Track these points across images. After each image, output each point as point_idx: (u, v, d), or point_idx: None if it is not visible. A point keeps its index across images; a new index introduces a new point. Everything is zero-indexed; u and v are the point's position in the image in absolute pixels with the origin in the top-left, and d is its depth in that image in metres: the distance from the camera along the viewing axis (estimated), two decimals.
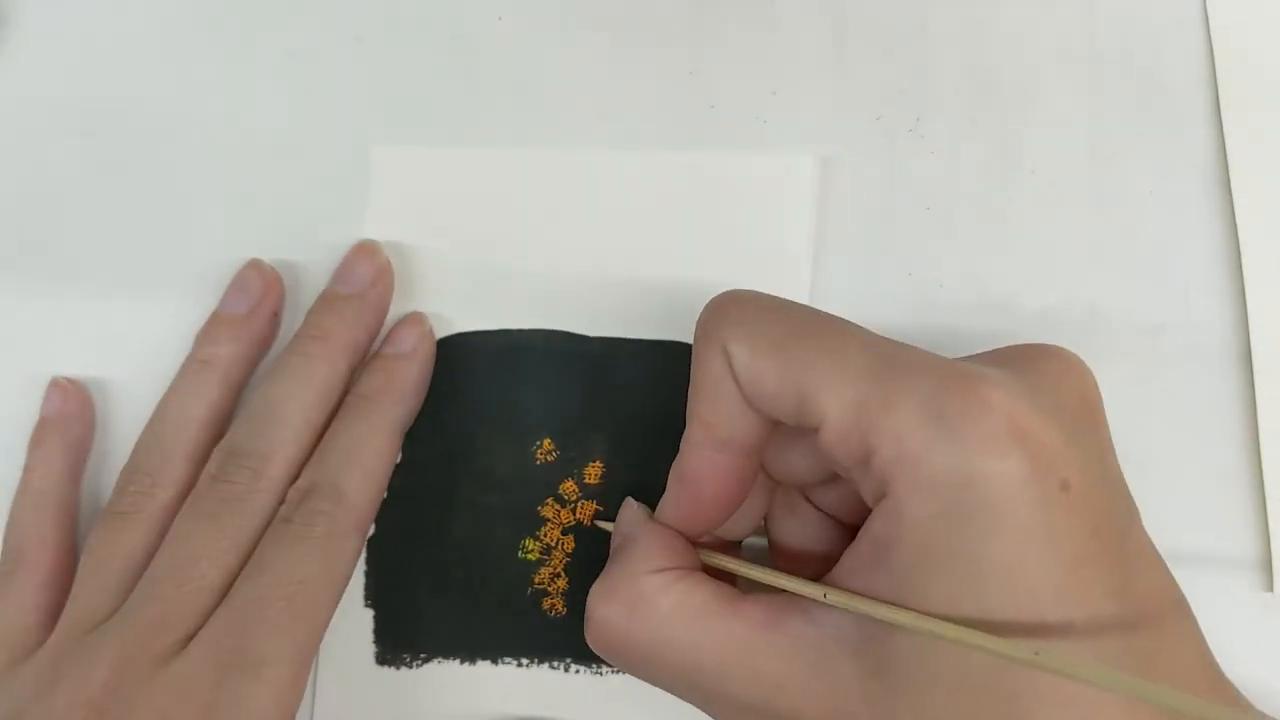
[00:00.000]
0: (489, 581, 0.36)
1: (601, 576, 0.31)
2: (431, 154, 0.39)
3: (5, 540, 0.37)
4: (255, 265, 0.38)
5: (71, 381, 0.38)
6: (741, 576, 0.31)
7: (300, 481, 0.34)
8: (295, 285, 0.39)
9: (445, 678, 0.36)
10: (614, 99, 0.39)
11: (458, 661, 0.36)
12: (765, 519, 0.34)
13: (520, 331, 0.38)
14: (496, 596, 0.36)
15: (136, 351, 0.39)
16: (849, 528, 0.32)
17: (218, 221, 0.40)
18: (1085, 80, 0.38)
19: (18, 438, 0.38)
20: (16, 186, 0.41)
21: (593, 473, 0.36)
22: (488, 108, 0.40)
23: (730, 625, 0.28)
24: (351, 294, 0.37)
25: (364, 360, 0.37)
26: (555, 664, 0.36)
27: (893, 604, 0.26)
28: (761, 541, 0.35)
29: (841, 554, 0.28)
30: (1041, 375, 0.28)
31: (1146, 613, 0.26)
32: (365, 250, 0.38)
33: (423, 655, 0.36)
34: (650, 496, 0.33)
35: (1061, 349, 0.29)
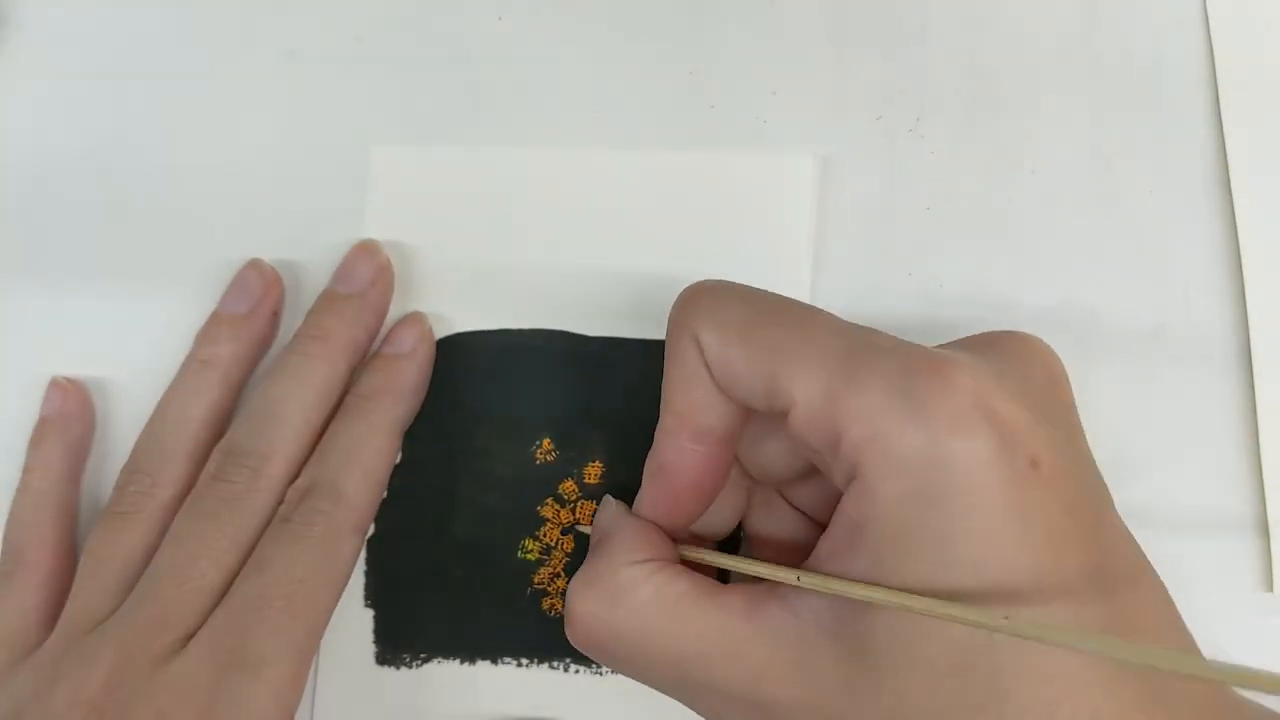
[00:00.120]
0: (489, 581, 0.36)
1: (580, 570, 0.31)
2: (431, 154, 0.39)
3: (5, 540, 0.37)
4: (255, 265, 0.38)
5: (71, 381, 0.38)
6: (721, 570, 0.31)
7: (300, 481, 0.34)
8: (295, 285, 0.39)
9: (445, 678, 0.36)
10: (614, 99, 0.39)
11: (458, 661, 0.36)
12: (744, 519, 0.34)
13: (520, 331, 0.38)
14: (496, 596, 0.36)
15: (136, 351, 0.39)
16: (825, 526, 0.32)
17: (218, 221, 0.40)
18: (1085, 80, 0.38)
19: (18, 438, 0.38)
20: (16, 186, 0.41)
21: (592, 473, 0.36)
22: (488, 108, 0.40)
23: (709, 614, 0.28)
24: (351, 294, 0.37)
25: (364, 360, 0.37)
26: (555, 664, 0.36)
27: (865, 582, 0.26)
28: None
29: None
30: (1009, 359, 0.28)
31: (1119, 583, 0.26)
32: (365, 250, 0.38)
33: (423, 655, 0.36)
34: None
35: (1027, 334, 0.29)
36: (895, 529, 0.26)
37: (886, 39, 0.39)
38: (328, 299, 0.37)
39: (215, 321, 0.38)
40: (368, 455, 0.35)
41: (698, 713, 0.30)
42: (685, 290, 0.31)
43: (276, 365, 0.36)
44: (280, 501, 0.34)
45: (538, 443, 0.37)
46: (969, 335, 0.30)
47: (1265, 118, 0.37)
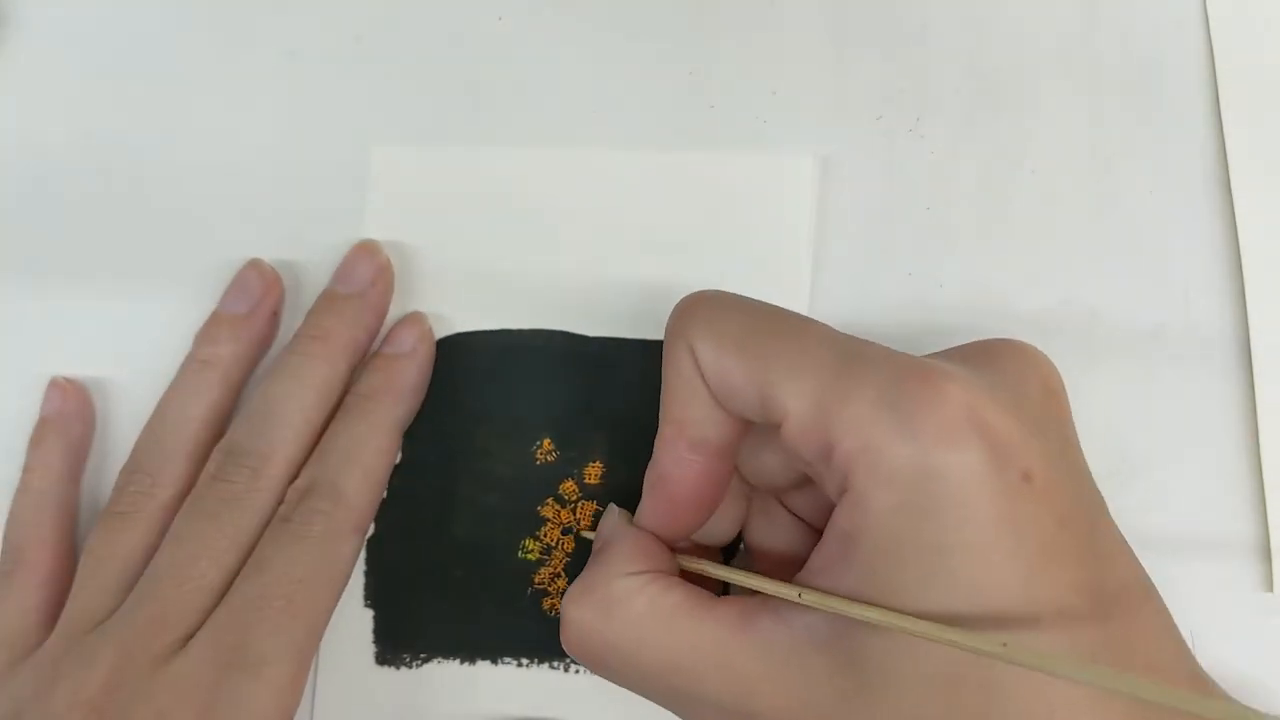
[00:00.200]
0: (489, 581, 0.36)
1: (577, 579, 0.31)
2: (431, 154, 0.39)
3: (5, 540, 0.37)
4: (255, 265, 0.38)
5: (71, 381, 0.38)
6: (722, 581, 0.31)
7: (299, 481, 0.34)
8: (295, 285, 0.39)
9: (445, 678, 0.36)
10: (614, 99, 0.39)
11: (458, 661, 0.36)
12: (743, 526, 0.34)
13: (520, 331, 0.38)
14: (496, 596, 0.36)
15: (136, 351, 0.39)
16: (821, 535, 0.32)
17: (218, 222, 0.40)
18: (1085, 80, 0.38)
19: (18, 438, 0.38)
20: (16, 187, 0.41)
21: (593, 473, 0.36)
22: (488, 108, 0.40)
23: (703, 626, 0.28)
24: (351, 294, 0.37)
25: (364, 360, 0.37)
26: (555, 664, 0.36)
27: (863, 602, 0.26)
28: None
29: None
30: (1002, 369, 0.28)
31: (1117, 603, 0.26)
32: (365, 250, 0.38)
33: (423, 655, 0.36)
34: None
35: (1022, 343, 0.29)
36: (886, 541, 0.26)
37: (886, 39, 0.39)
38: (328, 299, 0.37)
39: (215, 321, 0.38)
40: (368, 455, 0.35)
41: None
42: (681, 301, 0.31)
43: (276, 365, 0.36)
44: (280, 501, 0.34)
45: (538, 443, 0.37)
46: (964, 343, 0.30)
47: (1265, 118, 0.37)
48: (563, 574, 0.36)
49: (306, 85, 0.41)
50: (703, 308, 0.30)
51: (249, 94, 0.41)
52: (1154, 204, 0.37)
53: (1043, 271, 0.37)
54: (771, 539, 0.33)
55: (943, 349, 0.30)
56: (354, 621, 0.36)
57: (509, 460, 0.37)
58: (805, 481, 0.31)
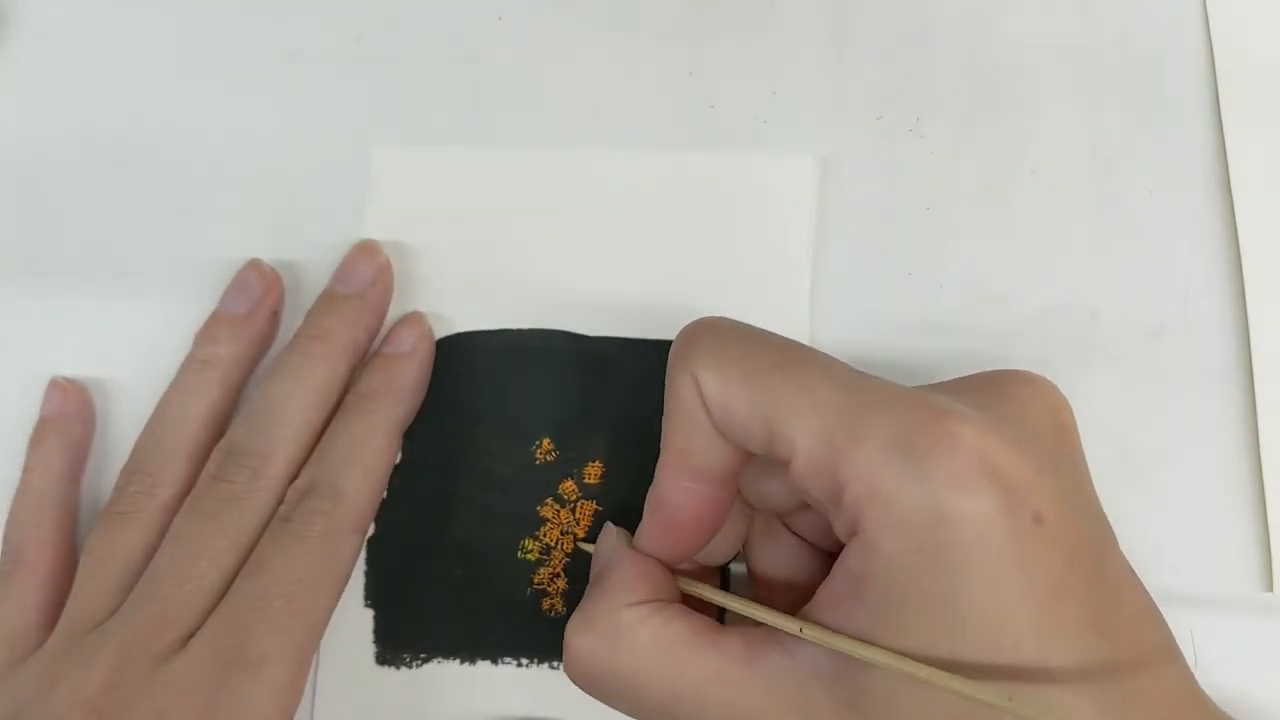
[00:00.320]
0: (489, 581, 0.36)
1: (580, 607, 0.31)
2: (431, 153, 0.39)
3: (5, 540, 0.37)
4: (255, 265, 0.38)
5: (71, 381, 0.38)
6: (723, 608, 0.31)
7: (299, 481, 0.34)
8: (295, 285, 0.39)
9: (445, 678, 0.36)
10: (614, 99, 0.39)
11: (458, 661, 0.36)
12: (745, 545, 0.34)
13: (520, 331, 0.38)
14: (496, 596, 0.36)
15: (136, 351, 0.39)
16: (827, 554, 0.32)
17: (218, 221, 0.40)
18: (1085, 80, 0.38)
19: (18, 437, 0.38)
20: (16, 186, 0.41)
21: (592, 473, 0.36)
22: (487, 108, 0.40)
23: (707, 658, 0.28)
24: (351, 293, 0.37)
25: (364, 360, 0.37)
26: (555, 664, 0.36)
27: (868, 643, 0.26)
28: (742, 568, 0.35)
29: (820, 580, 0.28)
30: (1011, 404, 0.27)
31: (1130, 645, 0.26)
32: (365, 250, 0.38)
33: (423, 655, 0.36)
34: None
35: (1031, 374, 0.29)
36: (896, 586, 0.25)
37: (886, 39, 0.39)
38: (328, 299, 0.37)
39: (215, 321, 0.37)
40: (368, 454, 0.35)
41: None
42: (686, 328, 0.30)
43: (276, 365, 0.36)
44: (280, 501, 0.34)
45: (538, 443, 0.37)
46: (971, 374, 0.30)
47: (1265, 118, 0.37)
48: (562, 574, 0.36)
49: (306, 85, 0.41)
50: (707, 336, 0.30)
51: (249, 94, 0.41)
52: (1154, 204, 0.37)
53: (1043, 271, 0.37)
54: (774, 559, 0.33)
55: (949, 379, 0.30)
56: (354, 621, 0.36)
57: (509, 460, 0.37)
58: (810, 506, 0.31)
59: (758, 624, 0.29)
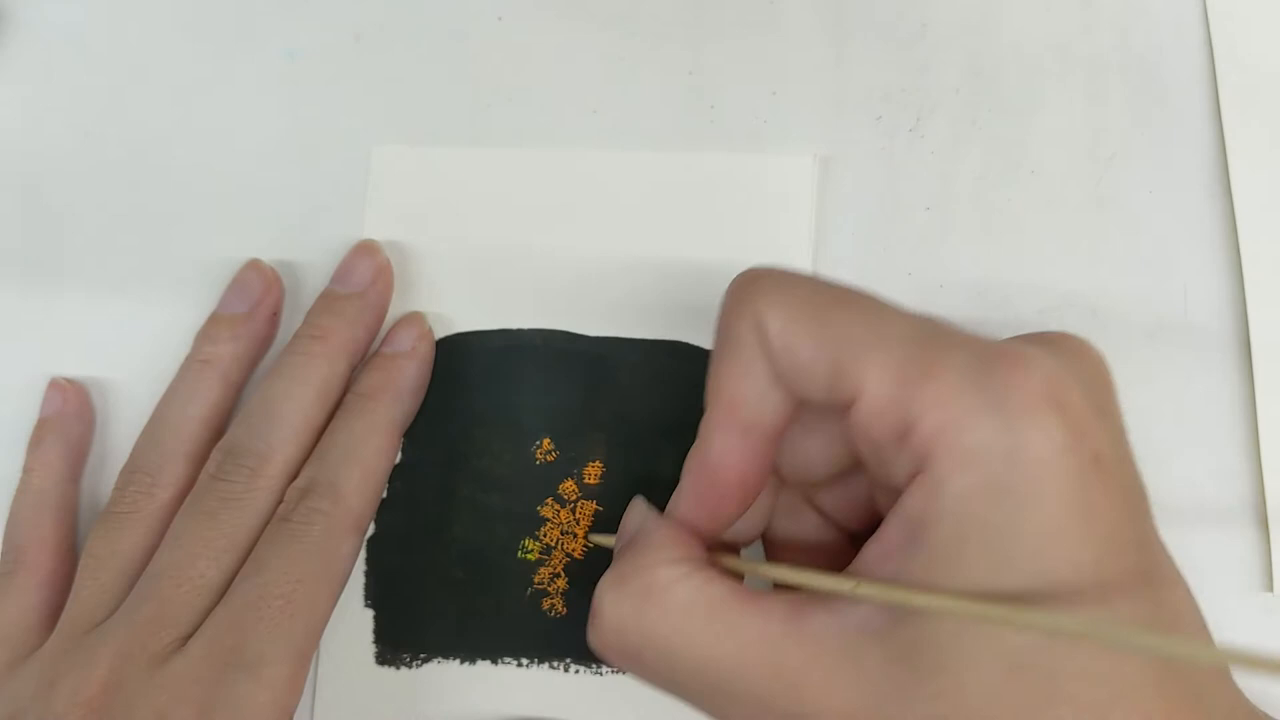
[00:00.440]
0: (489, 581, 0.36)
1: (610, 569, 0.29)
2: (431, 153, 0.39)
3: (5, 540, 0.37)
4: (254, 265, 0.38)
5: (71, 382, 0.38)
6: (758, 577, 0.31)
7: (299, 480, 0.34)
8: (295, 285, 0.39)
9: (445, 678, 0.36)
10: (614, 99, 0.39)
11: (458, 661, 0.36)
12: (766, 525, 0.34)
13: (519, 331, 0.38)
14: (496, 596, 0.36)
15: (136, 351, 0.39)
16: (849, 534, 0.32)
17: (218, 221, 0.40)
18: (1085, 80, 0.38)
19: (18, 437, 0.38)
20: (17, 185, 0.41)
21: (592, 473, 0.36)
22: (487, 108, 0.40)
23: (749, 620, 0.27)
24: (351, 293, 0.37)
25: (364, 360, 0.37)
26: (555, 664, 0.36)
27: (929, 590, 0.25)
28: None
29: (843, 561, 0.28)
30: (1068, 355, 0.27)
31: (1169, 605, 0.26)
32: (365, 250, 0.38)
33: (423, 655, 0.36)
34: (650, 496, 0.32)
35: (1078, 336, 0.29)
36: (963, 523, 0.25)
37: (886, 39, 0.39)
38: (327, 299, 0.37)
39: (214, 322, 0.38)
40: (367, 454, 0.35)
41: None
42: (745, 273, 0.29)
43: (276, 365, 0.36)
44: (280, 501, 0.34)
45: (538, 443, 0.37)
46: (1022, 334, 0.29)
47: (1265, 118, 0.37)
48: (562, 574, 0.36)
49: (306, 85, 0.41)
50: (770, 278, 0.29)
51: (249, 94, 0.41)
52: (1154, 204, 0.37)
53: (1043, 271, 0.37)
54: (795, 538, 0.33)
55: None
56: (354, 621, 0.36)
57: (509, 460, 0.37)
58: (842, 475, 0.31)
59: (796, 591, 0.28)
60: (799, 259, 0.37)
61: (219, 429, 0.36)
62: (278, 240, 0.39)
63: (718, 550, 0.31)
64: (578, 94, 0.40)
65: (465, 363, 0.38)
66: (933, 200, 0.38)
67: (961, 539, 0.25)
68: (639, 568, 0.29)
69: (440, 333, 0.38)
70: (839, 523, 0.32)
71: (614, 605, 0.28)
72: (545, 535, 0.36)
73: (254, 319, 0.37)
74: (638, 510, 0.32)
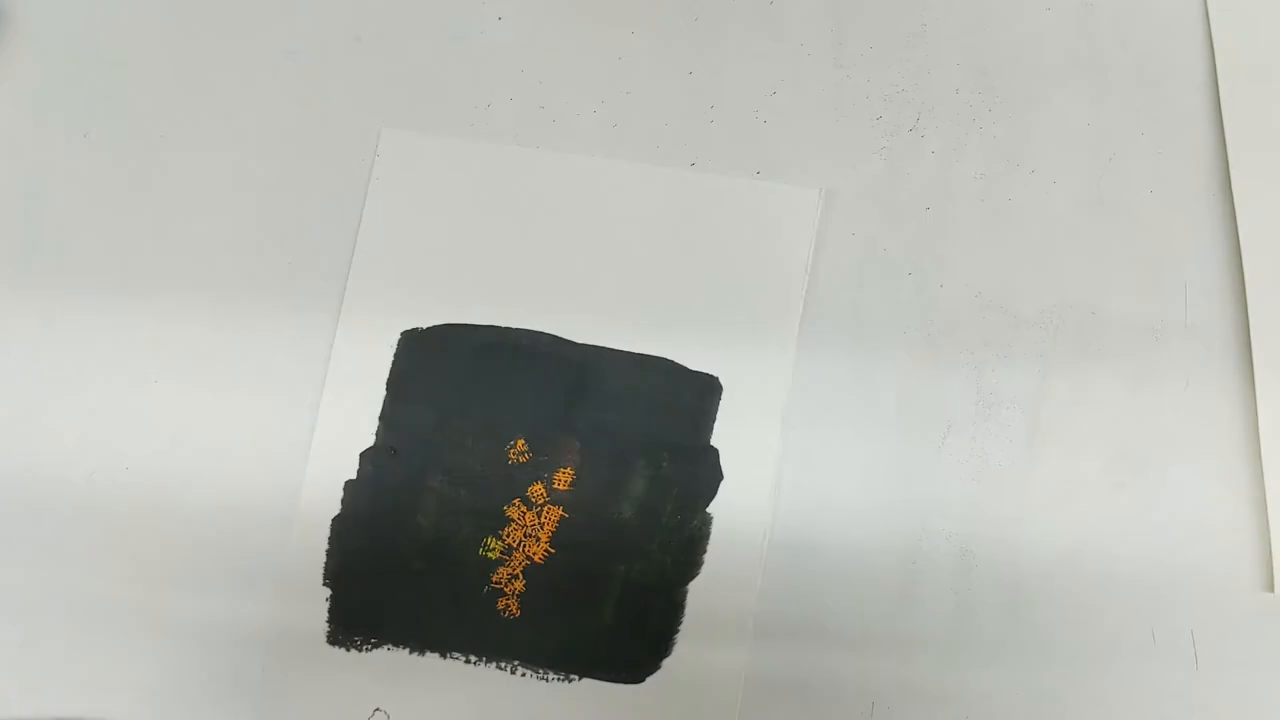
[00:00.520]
0: (447, 574, 0.36)
1: None
2: (439, 144, 0.39)
3: None
4: None
5: None
6: None
7: None
8: (294, 284, 0.39)
9: (393, 665, 0.36)
10: (614, 99, 0.39)
11: (407, 651, 0.36)
12: None
13: (507, 329, 0.38)
14: (453, 591, 0.36)
15: (136, 351, 0.39)
16: None
17: (217, 221, 0.40)
18: (1085, 80, 0.38)
19: (18, 438, 0.38)
20: (16, 186, 0.41)
21: (563, 479, 0.36)
22: (487, 108, 0.40)
23: None
24: None
25: None
26: (503, 665, 0.35)
27: None
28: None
29: None
30: None
31: None
32: None
33: (373, 640, 0.36)
34: (617, 510, 0.33)
35: None
36: None
37: (886, 39, 0.39)
38: None
39: None
40: None
41: None
42: None
43: None
44: None
45: (512, 442, 0.37)
46: None
47: (1265, 117, 0.37)
48: (520, 576, 0.36)
49: (307, 85, 0.41)
50: None
51: (248, 94, 0.41)
52: (1154, 204, 0.37)
53: (1043, 271, 0.37)
54: None
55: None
56: (309, 597, 0.36)
57: (481, 456, 0.37)
58: None
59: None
60: (792, 290, 0.37)
61: None
62: (277, 240, 0.39)
63: None
64: (578, 94, 0.40)
65: (450, 354, 0.37)
66: (933, 200, 0.38)
67: None
68: None
69: (428, 321, 0.38)
70: None
71: None
72: (508, 536, 0.36)
73: None
74: None
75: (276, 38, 0.41)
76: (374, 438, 0.37)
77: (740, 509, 0.35)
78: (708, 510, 0.35)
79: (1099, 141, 0.37)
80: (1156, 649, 0.33)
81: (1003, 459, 0.35)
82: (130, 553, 0.37)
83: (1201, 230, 0.37)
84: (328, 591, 0.36)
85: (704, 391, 0.36)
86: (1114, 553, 0.34)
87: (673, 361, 0.37)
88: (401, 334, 0.38)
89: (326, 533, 0.36)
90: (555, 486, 0.36)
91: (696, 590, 0.35)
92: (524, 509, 0.36)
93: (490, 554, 0.36)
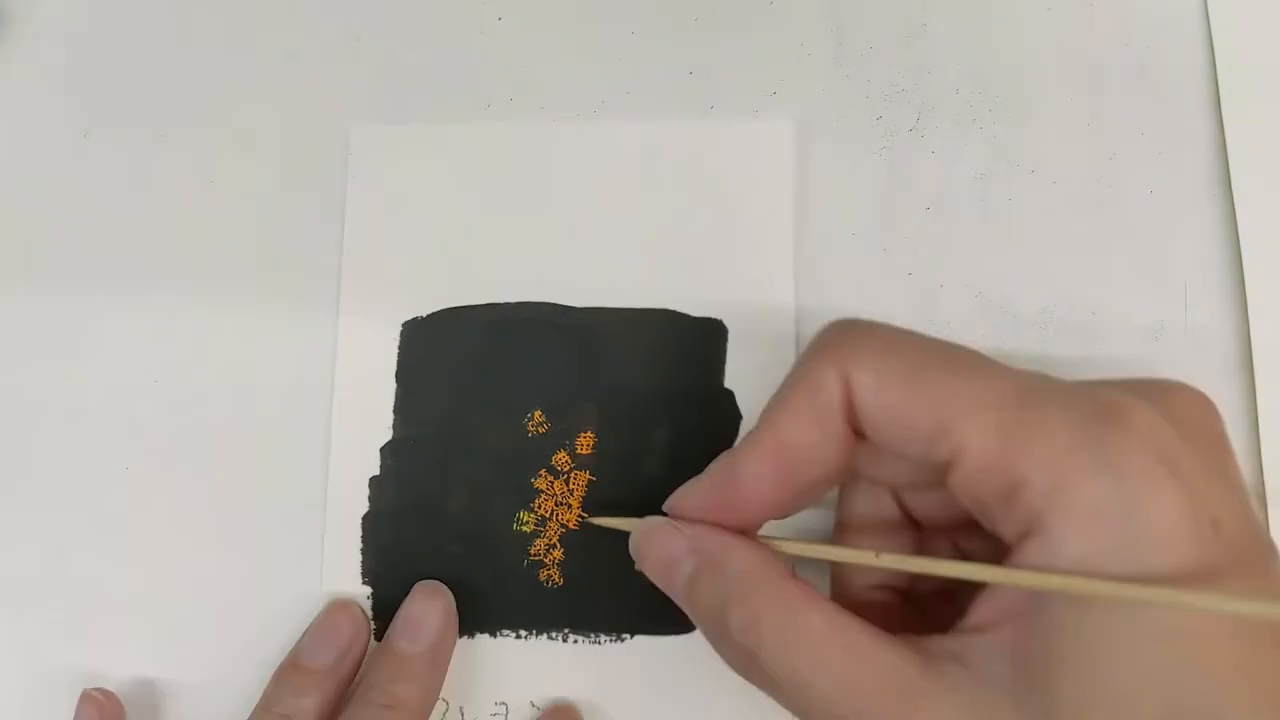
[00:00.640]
0: (485, 555, 0.36)
1: (737, 593, 0.28)
2: (410, 131, 0.39)
3: None
4: (344, 609, 0.36)
5: (105, 693, 0.36)
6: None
7: None
8: (293, 282, 0.39)
9: None
10: (613, 99, 0.39)
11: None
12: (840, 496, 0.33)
13: (507, 305, 0.38)
14: (493, 570, 0.36)
15: (135, 350, 0.39)
16: (926, 526, 0.32)
17: (217, 221, 0.40)
18: (1085, 80, 0.38)
19: (17, 437, 0.38)
20: (16, 186, 0.41)
21: (584, 443, 0.36)
22: (486, 107, 0.40)
23: (889, 659, 0.26)
24: (419, 651, 0.35)
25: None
26: (554, 634, 0.36)
27: (1081, 575, 0.24)
28: None
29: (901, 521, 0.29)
30: (1178, 409, 0.26)
31: None
32: (426, 592, 0.36)
33: None
34: (641, 464, 0.34)
35: (1188, 386, 0.28)
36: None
37: (886, 39, 0.39)
38: (396, 658, 0.34)
39: (298, 670, 0.35)
40: None
41: None
42: (836, 322, 0.29)
43: None
44: None
45: (529, 415, 0.37)
46: (1129, 379, 0.28)
47: (1265, 118, 0.37)
48: (558, 545, 0.36)
49: (306, 85, 0.41)
50: (865, 337, 0.28)
51: (248, 93, 0.41)
52: (1154, 204, 0.37)
53: (1043, 271, 0.37)
54: (871, 521, 0.32)
55: (1107, 380, 0.28)
56: (352, 598, 0.36)
57: (501, 433, 0.37)
58: (930, 486, 0.30)
59: (924, 638, 0.27)
60: (780, 223, 0.37)
61: None
62: (277, 240, 0.39)
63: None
64: (578, 94, 0.40)
65: (454, 338, 0.38)
66: (933, 200, 0.38)
67: (1081, 602, 0.24)
68: (764, 583, 0.28)
69: (428, 309, 0.38)
70: (921, 519, 0.31)
71: (750, 632, 0.27)
72: (539, 507, 0.36)
73: (340, 669, 0.35)
74: (673, 535, 0.30)
75: (277, 38, 0.41)
76: (390, 431, 0.37)
77: None
78: None
79: (1099, 141, 0.37)
80: None
81: None
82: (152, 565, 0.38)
83: (1201, 230, 0.37)
84: (368, 590, 0.37)
85: (710, 335, 0.37)
86: None
87: (675, 310, 0.37)
88: (403, 325, 0.38)
89: (359, 532, 0.37)
90: (579, 452, 0.37)
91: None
92: (551, 478, 0.36)
93: (525, 528, 0.36)
